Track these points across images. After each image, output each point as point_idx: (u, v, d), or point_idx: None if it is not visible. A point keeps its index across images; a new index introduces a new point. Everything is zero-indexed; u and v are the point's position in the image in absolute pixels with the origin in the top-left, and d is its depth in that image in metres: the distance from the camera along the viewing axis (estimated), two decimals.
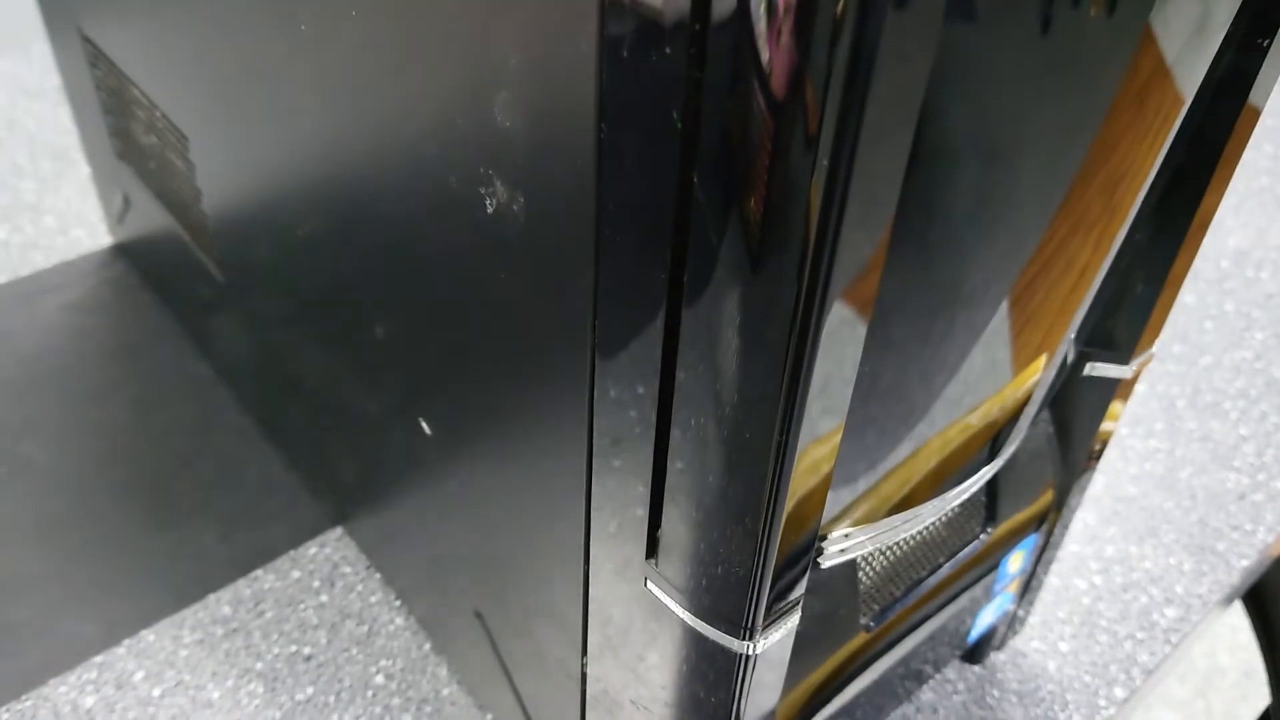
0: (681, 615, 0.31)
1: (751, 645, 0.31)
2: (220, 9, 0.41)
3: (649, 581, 0.32)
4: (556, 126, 0.26)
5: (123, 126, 0.60)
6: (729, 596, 0.30)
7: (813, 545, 0.30)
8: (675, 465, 0.29)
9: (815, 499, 0.28)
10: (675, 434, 0.28)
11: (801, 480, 0.27)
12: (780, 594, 0.30)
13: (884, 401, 0.30)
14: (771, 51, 0.20)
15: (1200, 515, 0.61)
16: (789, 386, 0.25)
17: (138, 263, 0.71)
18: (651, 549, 0.31)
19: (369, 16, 0.31)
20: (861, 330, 0.25)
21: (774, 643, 0.31)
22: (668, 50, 0.22)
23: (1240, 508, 0.62)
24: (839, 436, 0.27)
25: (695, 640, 0.32)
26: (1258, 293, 0.77)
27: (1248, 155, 0.91)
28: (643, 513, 0.30)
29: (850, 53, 0.20)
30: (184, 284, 0.63)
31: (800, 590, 0.31)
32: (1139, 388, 0.69)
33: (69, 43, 0.62)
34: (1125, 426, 0.66)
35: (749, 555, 0.28)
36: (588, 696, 0.39)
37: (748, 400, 0.26)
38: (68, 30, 0.61)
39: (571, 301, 0.28)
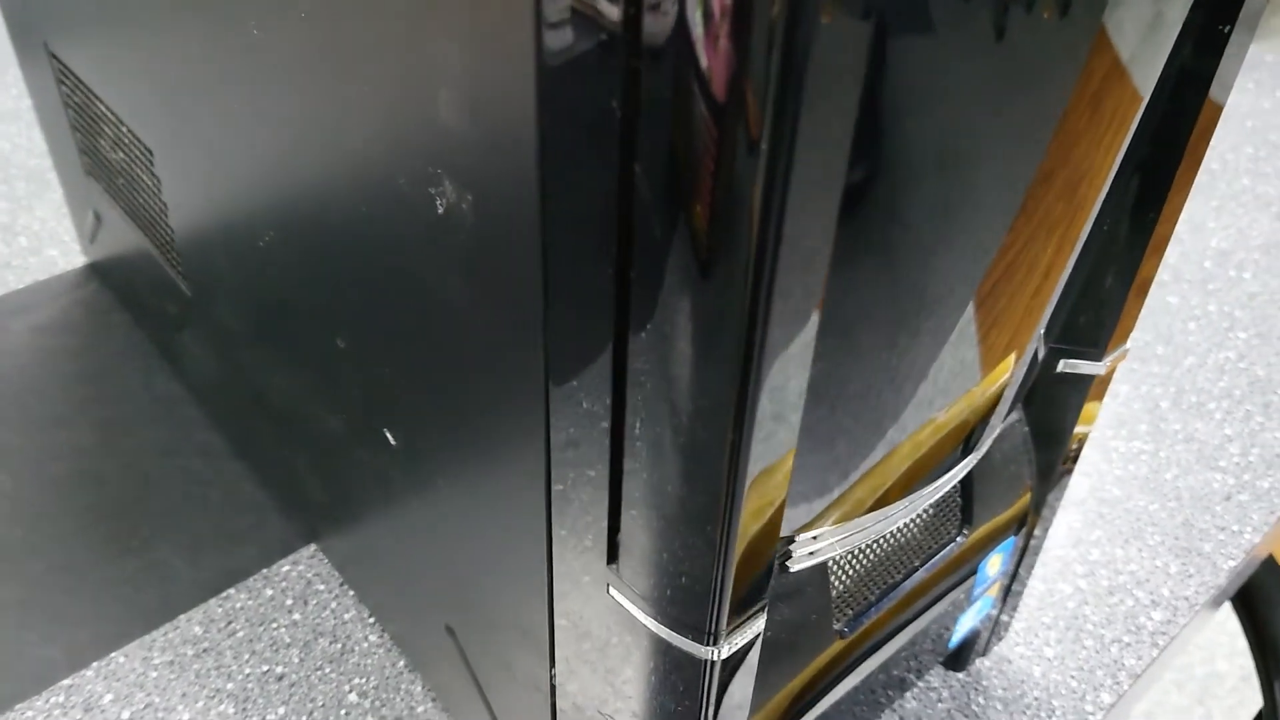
0: (644, 622, 0.30)
1: (716, 651, 0.30)
2: (176, 20, 0.40)
3: (611, 588, 0.31)
4: (498, 122, 0.25)
5: (91, 143, 0.60)
6: (691, 602, 0.29)
7: (774, 549, 0.29)
8: (631, 471, 0.28)
9: (774, 502, 0.28)
10: (629, 438, 0.27)
11: (758, 483, 0.26)
12: (744, 598, 0.29)
13: (852, 405, 0.30)
14: (706, 49, 0.20)
15: (1186, 517, 0.61)
16: (740, 389, 0.24)
17: (110, 282, 0.71)
18: (612, 555, 0.30)
19: (315, 20, 0.31)
20: (812, 332, 0.25)
21: (740, 648, 0.30)
22: (604, 39, 0.21)
23: (1226, 508, 0.61)
24: (794, 439, 0.27)
25: (659, 647, 0.31)
26: (1240, 293, 0.77)
27: (1230, 157, 0.91)
28: (602, 519, 0.30)
29: (784, 46, 0.19)
30: (155, 302, 0.62)
31: (765, 594, 0.30)
32: (1122, 389, 0.69)
33: (37, 60, 0.61)
34: (1109, 428, 0.66)
35: (708, 560, 0.28)
36: (558, 709, 0.38)
37: (699, 403, 0.25)
38: (35, 48, 0.61)
39: (522, 303, 0.28)
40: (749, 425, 0.25)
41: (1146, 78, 0.30)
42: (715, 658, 0.30)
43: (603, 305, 0.25)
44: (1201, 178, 0.89)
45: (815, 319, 0.24)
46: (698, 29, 0.20)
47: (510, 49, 0.24)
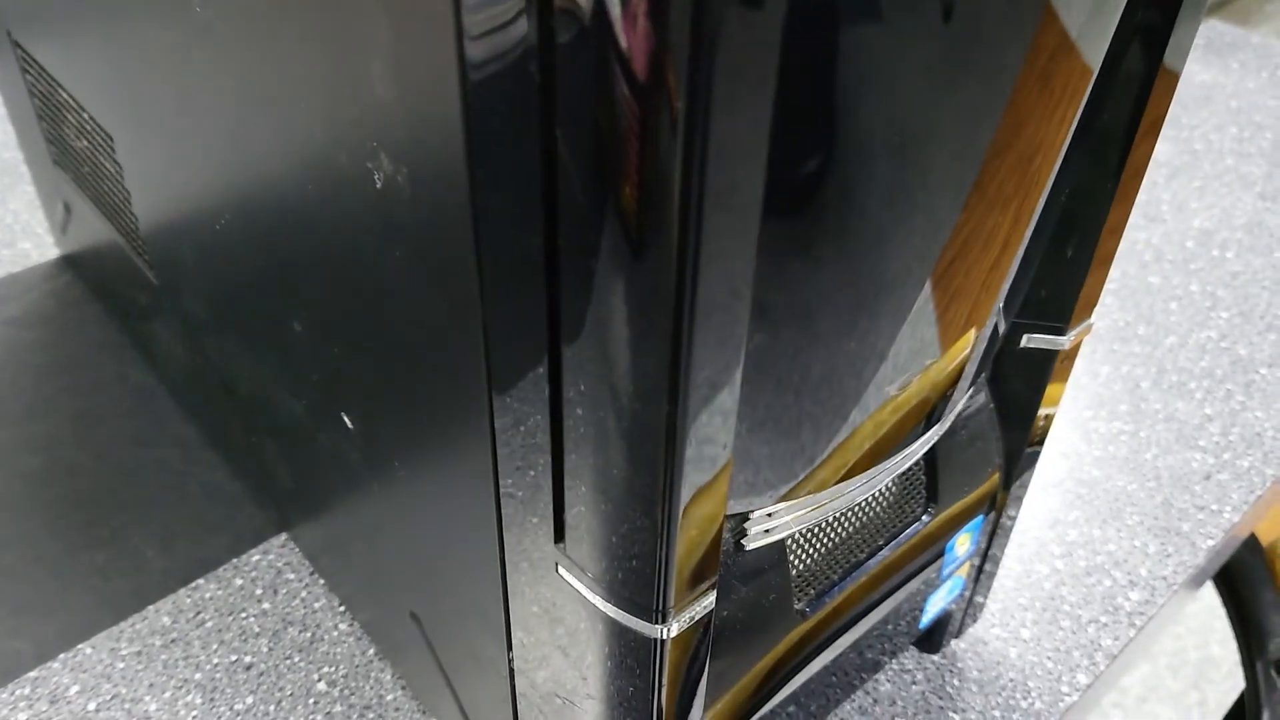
0: (593, 601, 0.30)
1: (665, 630, 0.29)
2: (130, 6, 0.40)
3: (560, 568, 0.31)
4: (426, 92, 0.25)
5: (56, 132, 0.59)
6: (637, 580, 0.29)
7: (720, 526, 0.28)
8: (572, 448, 0.28)
9: (717, 477, 0.27)
10: (569, 417, 0.27)
11: (698, 459, 0.26)
12: (691, 575, 0.29)
13: (805, 381, 0.29)
14: (622, 17, 0.19)
15: (1165, 496, 0.60)
16: (671, 364, 0.24)
17: (82, 273, 0.70)
18: (559, 534, 0.30)
19: None
20: (745, 304, 0.24)
21: (690, 626, 0.30)
22: (521, 7, 0.21)
23: (1205, 488, 0.61)
24: (733, 414, 0.26)
25: (610, 627, 0.30)
26: (1223, 272, 0.76)
27: (1214, 138, 0.90)
28: (547, 498, 0.29)
29: (695, 17, 0.19)
30: (125, 292, 0.62)
31: (714, 571, 0.30)
32: (1103, 369, 0.68)
33: (1, 50, 0.61)
34: (1088, 409, 0.65)
35: (651, 537, 0.27)
36: (517, 693, 0.38)
37: (634, 381, 0.25)
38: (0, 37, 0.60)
39: (459, 281, 0.27)
40: (684, 401, 0.24)
41: (1096, 50, 0.30)
42: (664, 636, 0.30)
43: (536, 283, 0.25)
44: (1185, 158, 0.88)
45: (747, 295, 0.24)
46: (615, 2, 0.19)
47: (433, 15, 0.23)
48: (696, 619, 0.30)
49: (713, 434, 0.26)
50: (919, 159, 0.27)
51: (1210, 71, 0.99)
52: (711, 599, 0.30)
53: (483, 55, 0.22)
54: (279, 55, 0.31)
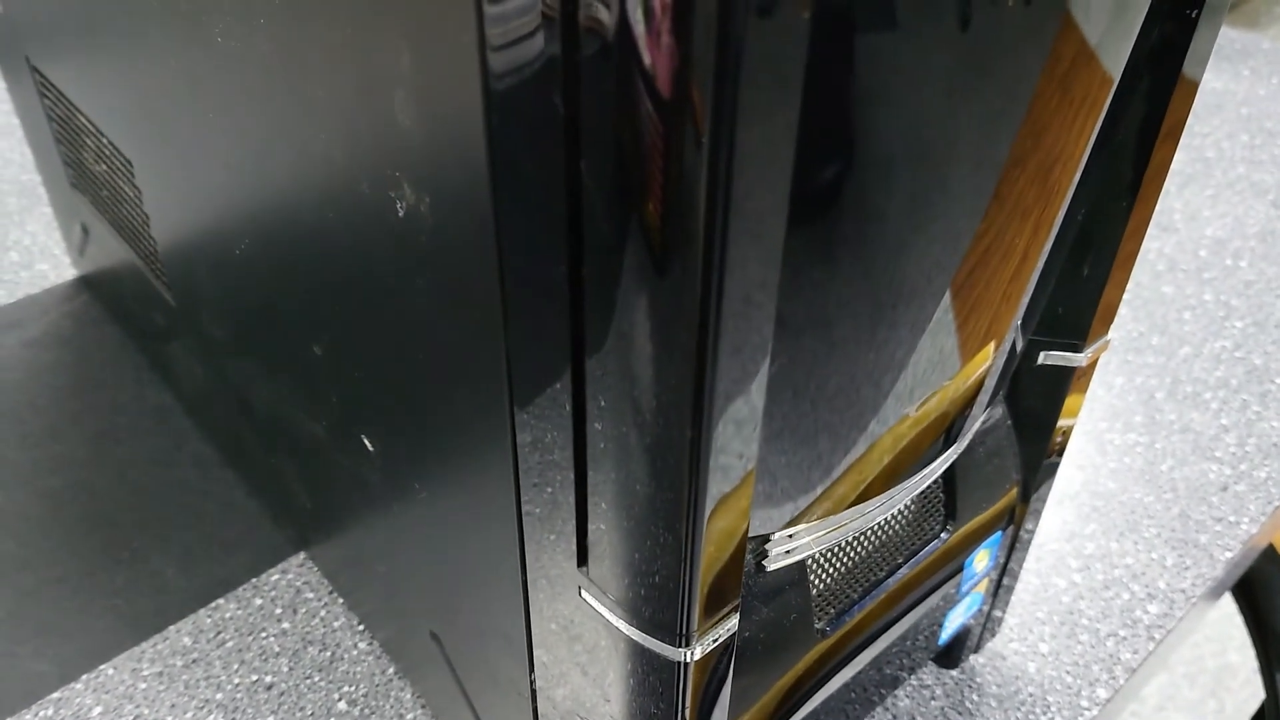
0: (616, 624, 0.30)
1: (689, 653, 0.30)
2: (148, 31, 0.40)
3: (583, 591, 0.31)
4: (448, 121, 0.25)
5: (75, 156, 0.60)
6: (660, 603, 0.29)
7: (743, 547, 0.29)
8: (595, 472, 0.28)
9: (740, 500, 0.27)
10: (592, 441, 0.27)
11: (722, 481, 0.26)
12: (715, 598, 0.29)
13: (825, 399, 0.30)
14: (646, 38, 0.20)
15: (1182, 508, 0.60)
16: (696, 386, 0.24)
17: (100, 295, 0.71)
18: (582, 557, 0.30)
19: (274, 26, 0.31)
20: (769, 323, 0.24)
21: (714, 649, 0.30)
22: (544, 34, 0.21)
23: (1223, 499, 0.61)
24: (757, 436, 0.26)
25: (632, 649, 0.31)
26: (1237, 281, 0.76)
27: (1225, 145, 0.90)
28: (570, 520, 0.29)
29: (719, 35, 0.19)
30: (142, 313, 0.62)
31: (737, 594, 0.30)
32: (1117, 380, 0.68)
33: (20, 74, 0.62)
34: (1103, 420, 0.65)
35: (675, 560, 0.27)
36: (540, 714, 0.38)
37: (657, 402, 0.25)
38: (18, 61, 0.61)
39: (482, 305, 0.28)
40: (708, 423, 0.24)
41: (1115, 59, 0.30)
42: (688, 659, 0.30)
43: (559, 305, 0.25)
44: (1197, 166, 0.88)
45: (771, 312, 0.24)
46: (638, 23, 0.20)
47: (456, 46, 0.23)
48: (720, 641, 0.30)
49: (737, 451, 0.26)
50: (939, 168, 0.27)
51: (1221, 78, 0.99)
52: (735, 621, 0.30)
53: (507, 85, 0.23)
54: (301, 84, 0.31)
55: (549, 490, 0.30)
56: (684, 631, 0.29)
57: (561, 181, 0.23)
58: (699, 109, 0.20)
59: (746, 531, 0.28)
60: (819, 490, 0.32)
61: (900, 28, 0.23)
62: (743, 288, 0.23)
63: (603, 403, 0.26)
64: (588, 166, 0.22)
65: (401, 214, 0.29)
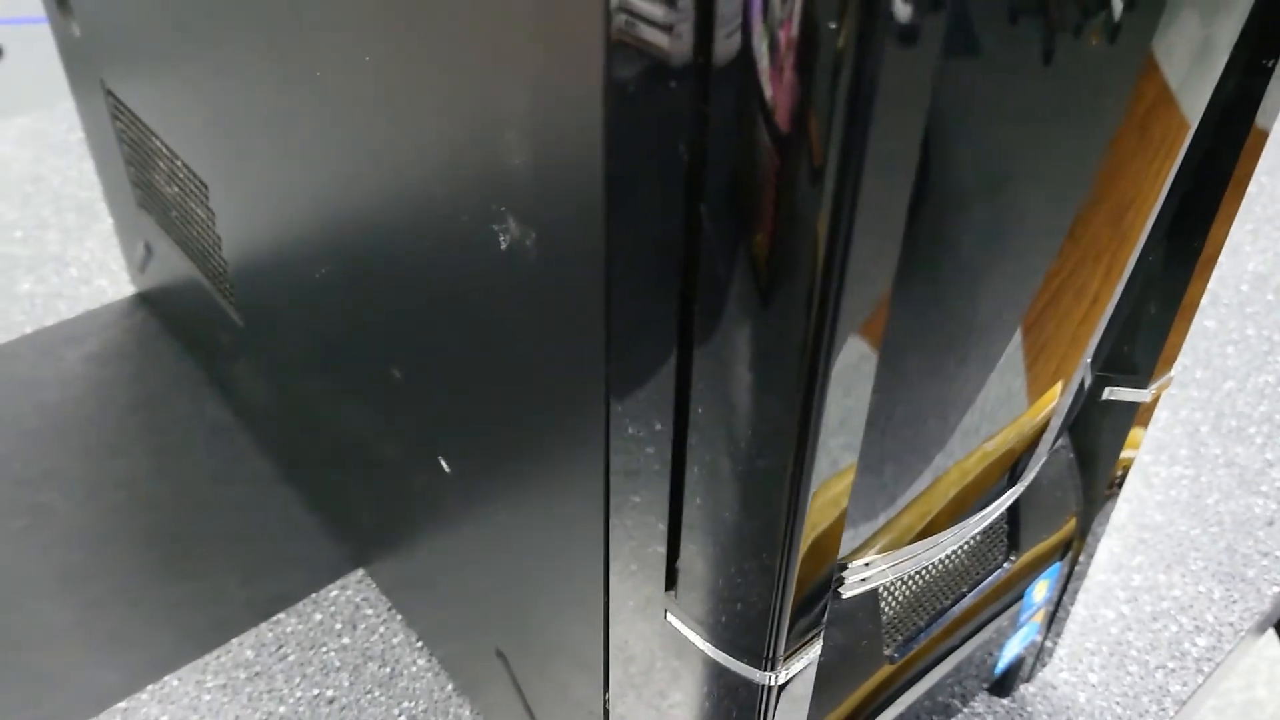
0: (702, 647, 0.31)
1: (774, 676, 0.30)
2: (236, 60, 0.41)
3: (669, 614, 0.32)
4: (565, 164, 0.26)
5: (144, 177, 0.61)
6: (749, 627, 0.30)
7: (832, 576, 0.29)
8: (691, 499, 0.29)
9: (833, 530, 0.28)
10: (690, 468, 0.28)
11: (818, 512, 0.27)
12: (801, 624, 0.30)
13: (901, 433, 0.30)
14: (774, 86, 0.21)
15: (1228, 542, 0.61)
16: (801, 420, 0.25)
17: (159, 311, 0.72)
18: (670, 582, 0.31)
19: (381, 62, 0.32)
20: (872, 362, 0.25)
21: (796, 674, 0.31)
22: (672, 86, 0.22)
23: (1269, 533, 0.61)
24: (854, 468, 0.27)
25: (717, 672, 0.31)
26: (1279, 316, 0.77)
27: (1265, 180, 0.91)
28: (661, 547, 0.30)
29: (850, 86, 0.20)
30: (205, 331, 0.63)
31: (821, 620, 0.31)
32: (1161, 414, 0.69)
33: (92, 97, 0.63)
34: (1148, 453, 0.66)
35: (768, 587, 0.28)
36: None
37: (761, 434, 0.26)
38: (91, 85, 0.62)
39: (584, 337, 0.29)
40: (810, 453, 0.25)
41: (1195, 105, 0.31)
42: (773, 683, 0.30)
43: (665, 336, 0.26)
44: None
45: (877, 349, 0.25)
46: (763, 62, 0.21)
47: (578, 88, 0.24)
48: (803, 666, 0.31)
49: (834, 484, 0.27)
50: (1021, 204, 0.27)
51: None
52: (818, 647, 0.31)
53: (630, 132, 0.24)
54: (404, 121, 0.32)
55: (639, 516, 0.31)
56: (770, 655, 0.30)
57: (679, 225, 0.24)
58: (820, 148, 0.21)
59: (835, 559, 0.29)
60: (895, 521, 0.33)
61: (988, 59, 0.24)
62: (856, 324, 0.24)
63: (703, 432, 0.27)
64: (708, 210, 0.23)
65: (504, 246, 0.30)
